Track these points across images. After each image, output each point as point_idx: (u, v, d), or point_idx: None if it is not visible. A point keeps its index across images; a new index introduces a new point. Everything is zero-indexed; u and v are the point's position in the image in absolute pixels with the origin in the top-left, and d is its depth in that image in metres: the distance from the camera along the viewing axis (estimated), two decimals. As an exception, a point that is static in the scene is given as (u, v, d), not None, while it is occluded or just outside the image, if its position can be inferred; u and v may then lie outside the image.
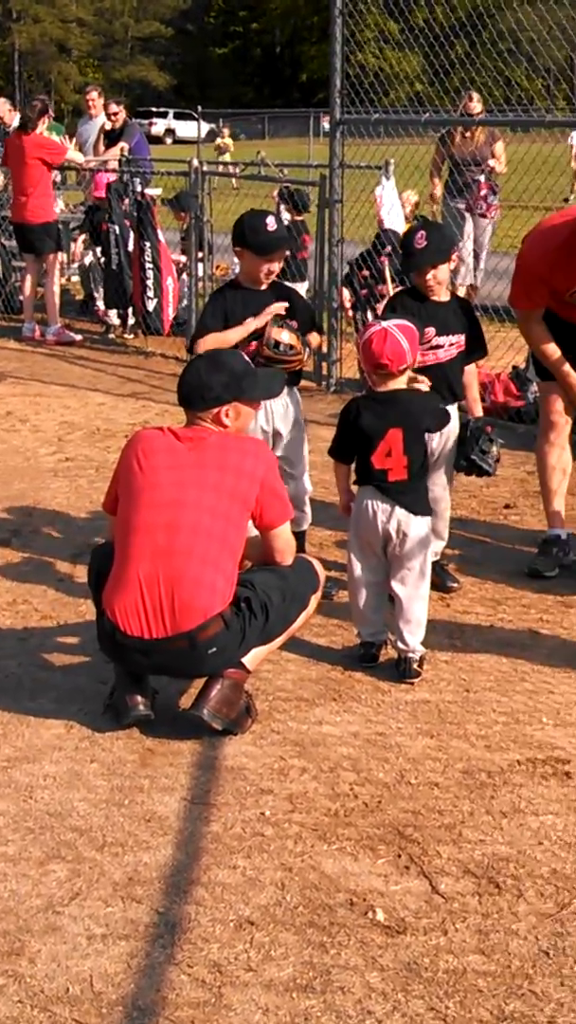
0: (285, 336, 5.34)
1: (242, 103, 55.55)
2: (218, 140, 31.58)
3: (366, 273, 9.54)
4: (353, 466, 4.87)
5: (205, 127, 30.66)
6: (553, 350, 5.78)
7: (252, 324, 5.37)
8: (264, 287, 5.50)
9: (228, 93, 66.19)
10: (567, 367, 5.75)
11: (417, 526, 4.68)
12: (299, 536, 5.48)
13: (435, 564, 5.68)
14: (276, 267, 5.50)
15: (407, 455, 4.67)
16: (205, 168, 11.32)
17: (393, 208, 9.85)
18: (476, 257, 11.90)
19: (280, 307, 5.42)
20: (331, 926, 3.29)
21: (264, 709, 4.51)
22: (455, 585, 5.66)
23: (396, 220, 10.02)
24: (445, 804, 3.89)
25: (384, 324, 4.67)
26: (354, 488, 4.88)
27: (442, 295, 5.43)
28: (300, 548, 5.11)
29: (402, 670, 4.74)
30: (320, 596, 4.69)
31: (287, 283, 6.25)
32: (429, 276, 5.33)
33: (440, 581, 5.64)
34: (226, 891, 3.45)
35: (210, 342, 5.32)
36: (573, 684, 4.71)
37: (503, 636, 5.16)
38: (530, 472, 7.28)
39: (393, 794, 3.95)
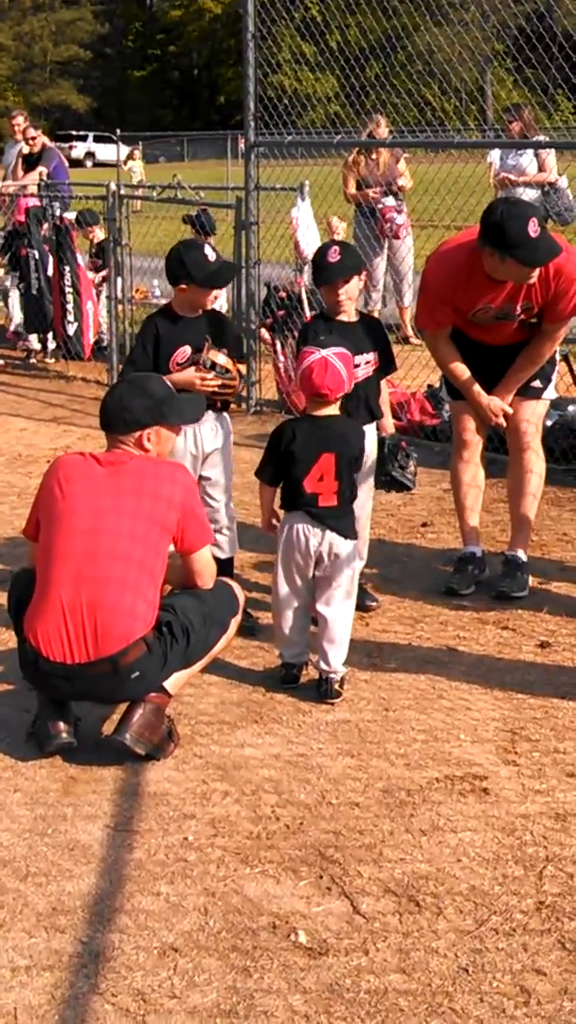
0: (221, 358, 5.36)
1: (161, 125, 55.59)
2: (129, 164, 31.46)
3: (284, 295, 9.61)
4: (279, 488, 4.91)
5: (125, 150, 30.61)
6: (462, 370, 5.87)
7: (178, 379, 5.40)
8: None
9: (147, 116, 66.21)
10: (476, 387, 5.84)
11: (347, 549, 4.75)
12: (227, 562, 5.50)
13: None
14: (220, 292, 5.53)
15: (338, 480, 4.73)
16: (123, 191, 11.33)
17: (309, 229, 9.91)
18: (401, 279, 12.00)
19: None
20: (254, 950, 3.32)
21: (186, 733, 4.53)
22: (374, 604, 5.72)
23: (312, 241, 10.09)
24: (366, 824, 3.93)
25: (323, 352, 4.70)
26: (279, 511, 4.92)
27: (352, 315, 5.49)
28: (228, 573, 5.14)
29: (323, 691, 4.79)
30: (240, 619, 4.72)
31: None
32: (341, 291, 5.39)
33: (359, 600, 5.69)
34: (149, 918, 3.47)
35: None
36: (490, 700, 4.78)
37: (421, 654, 5.23)
38: (446, 490, 7.36)
39: (314, 815, 3.99)
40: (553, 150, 11.30)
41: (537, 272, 5.45)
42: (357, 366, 5.44)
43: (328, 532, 4.71)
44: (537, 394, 5.96)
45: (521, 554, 5.94)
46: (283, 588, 4.82)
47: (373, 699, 4.82)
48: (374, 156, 11.85)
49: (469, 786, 4.15)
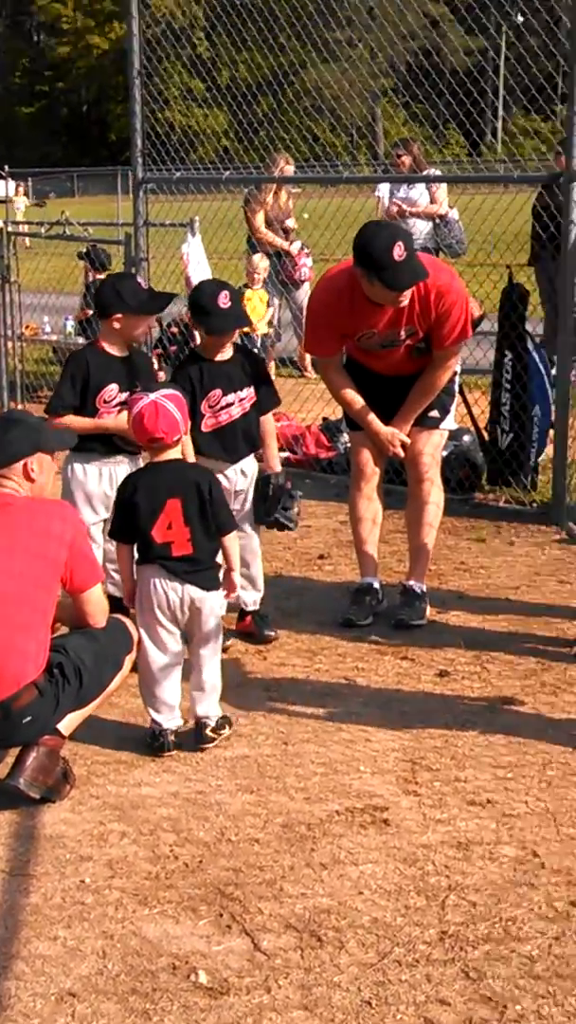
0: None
1: (51, 162, 55.35)
2: (13, 199, 31.20)
3: (175, 330, 9.59)
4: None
5: (13, 186, 30.42)
6: (354, 398, 5.87)
7: (111, 426, 5.37)
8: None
9: (36, 152, 65.90)
10: (371, 416, 5.84)
11: (210, 603, 4.58)
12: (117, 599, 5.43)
13: (254, 613, 5.72)
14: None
15: (188, 526, 4.54)
16: (11, 228, 11.24)
17: (200, 264, 9.90)
18: (301, 312, 12.02)
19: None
20: (154, 992, 3.25)
21: (82, 774, 4.45)
22: (272, 634, 5.70)
23: (203, 276, 10.08)
24: (266, 860, 3.88)
25: (152, 396, 4.54)
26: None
27: (226, 353, 5.48)
28: (123, 610, 5.06)
29: (198, 737, 4.64)
30: (135, 656, 4.64)
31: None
32: (227, 337, 5.41)
33: (258, 631, 5.68)
34: (47, 963, 3.38)
35: (67, 422, 5.32)
36: (389, 731, 4.76)
37: (320, 687, 5.20)
38: (342, 522, 7.37)
39: (214, 853, 3.93)
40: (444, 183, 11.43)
41: (408, 295, 5.46)
42: (231, 404, 5.43)
43: (186, 585, 4.54)
44: (435, 424, 5.97)
45: (419, 584, 5.95)
46: (149, 647, 4.60)
47: (272, 733, 4.77)
48: (276, 195, 11.89)
49: (370, 818, 4.11)
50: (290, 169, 11.73)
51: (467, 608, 5.99)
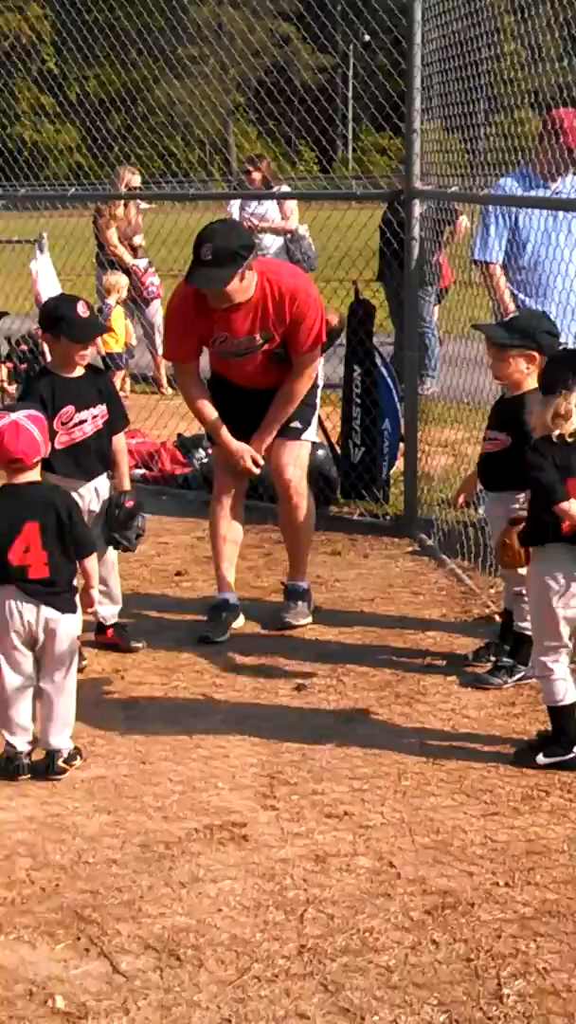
0: None
1: None
2: None
3: (25, 347, 9.50)
4: None
5: None
6: (209, 410, 5.89)
7: None
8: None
9: None
10: (223, 429, 5.85)
11: (66, 625, 4.51)
12: None
13: (116, 625, 5.70)
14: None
15: (46, 550, 4.47)
16: None
17: (49, 281, 9.83)
18: (153, 330, 11.97)
19: None
20: (10, 1019, 3.20)
21: None
22: (139, 645, 5.70)
23: (53, 292, 10.01)
24: (124, 881, 3.85)
25: (13, 416, 4.48)
26: None
27: (77, 370, 5.46)
28: None
29: (49, 768, 4.55)
30: None
31: None
32: (88, 350, 5.38)
33: (124, 642, 5.70)
34: None
35: None
36: (247, 746, 4.76)
37: (177, 704, 5.18)
38: (199, 538, 7.37)
39: (71, 876, 3.88)
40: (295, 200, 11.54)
41: (228, 298, 5.51)
42: (84, 421, 5.40)
43: (43, 607, 4.47)
44: (297, 435, 6.02)
45: (301, 583, 6.08)
46: (4, 669, 4.51)
47: (129, 753, 4.74)
48: (124, 210, 11.83)
49: (228, 834, 4.11)
50: (136, 180, 11.68)
51: (323, 621, 6.02)
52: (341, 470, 7.90)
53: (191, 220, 10.39)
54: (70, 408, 5.36)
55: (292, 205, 11.41)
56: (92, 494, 5.49)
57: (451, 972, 3.35)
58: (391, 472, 7.99)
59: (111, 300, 11.37)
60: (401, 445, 7.70)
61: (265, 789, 4.42)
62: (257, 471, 5.91)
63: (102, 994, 3.30)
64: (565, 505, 4.32)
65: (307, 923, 3.60)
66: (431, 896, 3.71)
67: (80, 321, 5.35)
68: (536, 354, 5.00)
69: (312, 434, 6.19)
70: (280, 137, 14.56)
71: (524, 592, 5.08)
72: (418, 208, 7.36)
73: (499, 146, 7.17)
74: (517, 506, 4.89)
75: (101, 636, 5.72)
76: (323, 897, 3.72)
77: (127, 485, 5.67)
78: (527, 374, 5.05)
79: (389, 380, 7.79)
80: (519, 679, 5.23)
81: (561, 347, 5.08)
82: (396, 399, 7.75)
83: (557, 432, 4.34)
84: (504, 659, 5.29)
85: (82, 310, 5.35)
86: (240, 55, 14.45)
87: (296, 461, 6.01)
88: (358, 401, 7.80)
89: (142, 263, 12.02)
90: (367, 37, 13.01)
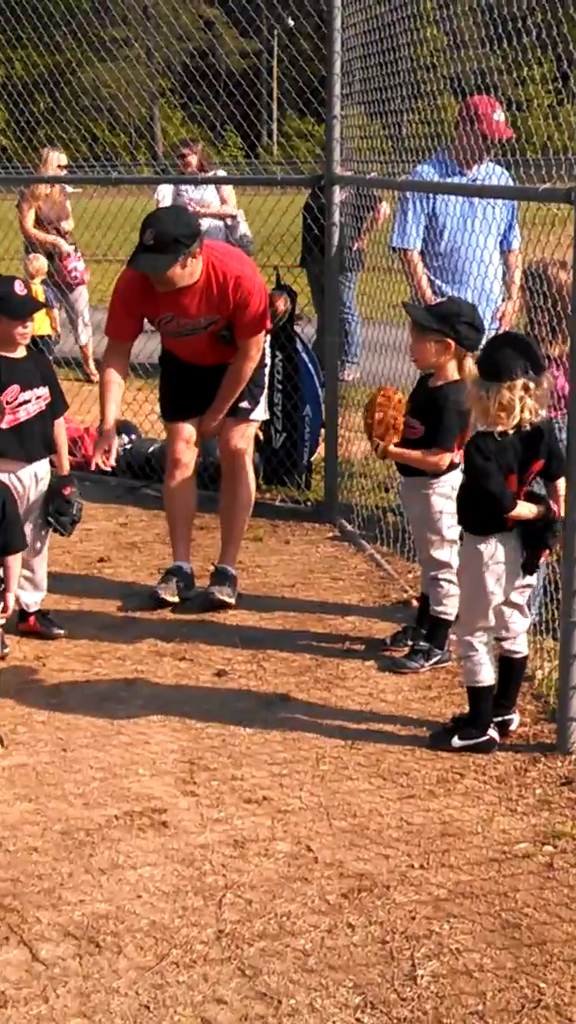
0: None
1: None
2: None
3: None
4: None
5: None
6: (109, 388, 5.95)
7: None
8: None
9: None
10: (108, 411, 5.88)
11: None
12: None
13: (37, 613, 5.69)
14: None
15: None
16: None
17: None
18: (77, 317, 11.90)
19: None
20: None
21: None
22: (61, 632, 5.72)
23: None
24: (44, 868, 3.87)
25: None
26: None
27: (19, 351, 5.47)
28: None
29: None
30: None
31: None
32: (28, 327, 5.44)
33: (46, 629, 5.71)
34: None
35: None
36: (168, 732, 4.79)
37: (99, 691, 5.19)
38: (122, 524, 7.38)
39: (-9, 864, 3.90)
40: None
41: (170, 282, 5.62)
42: (28, 401, 5.41)
43: None
44: (245, 415, 6.18)
45: (231, 568, 6.16)
46: None
47: (51, 740, 4.75)
48: (48, 192, 11.72)
49: (148, 820, 4.14)
50: (62, 159, 11.57)
51: (244, 607, 6.06)
52: (263, 456, 7.92)
53: (115, 205, 10.39)
54: (15, 387, 5.39)
55: (229, 190, 11.38)
56: (32, 479, 5.50)
57: (366, 954, 3.40)
58: (312, 458, 8.03)
59: (35, 283, 11.28)
60: (322, 431, 7.74)
61: (185, 775, 4.45)
62: (107, 467, 5.94)
63: (21, 982, 3.32)
64: (515, 512, 4.38)
65: (225, 908, 3.64)
66: (348, 879, 3.76)
67: (18, 299, 5.41)
68: (451, 342, 5.06)
69: (260, 413, 6.35)
70: (203, 123, 14.50)
71: (440, 577, 5.16)
72: (338, 194, 7.39)
73: (420, 132, 7.21)
74: (431, 492, 5.02)
75: (23, 623, 5.71)
76: (241, 882, 3.76)
77: (67, 470, 5.74)
78: (439, 361, 5.13)
79: (310, 366, 7.83)
80: (435, 663, 5.31)
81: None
82: (317, 385, 7.80)
83: (500, 428, 4.38)
84: (421, 643, 5.37)
85: (19, 288, 5.44)
86: (165, 40, 14.40)
87: (243, 440, 6.19)
88: (279, 387, 7.82)
89: (67, 247, 11.93)
90: (291, 22, 13.03)
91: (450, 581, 5.18)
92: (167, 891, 3.73)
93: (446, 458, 5.12)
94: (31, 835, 4.06)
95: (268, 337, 6.28)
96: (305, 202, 9.36)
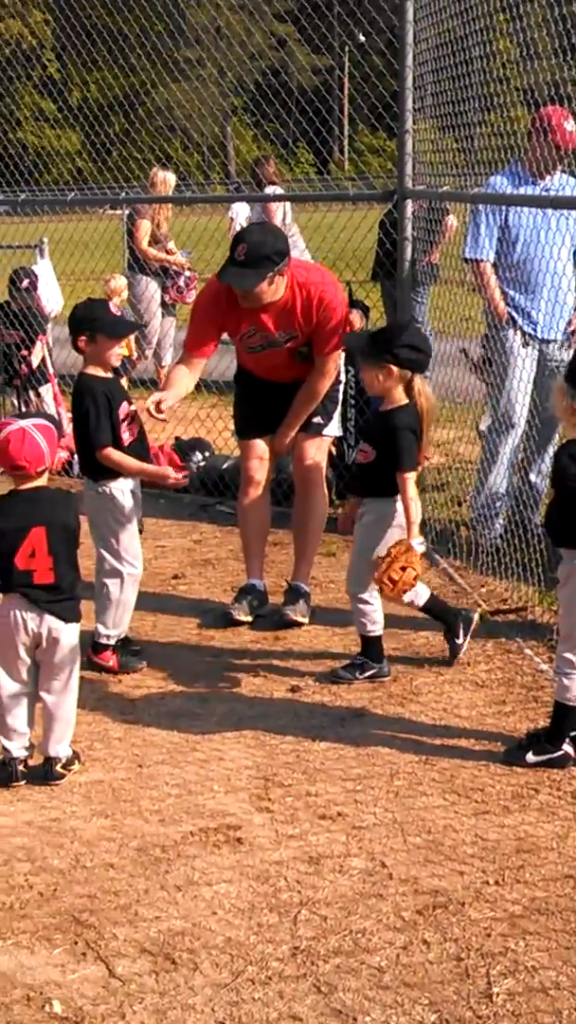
0: None
1: None
2: None
3: (26, 352, 9.55)
4: None
5: None
6: (179, 385, 5.93)
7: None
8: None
9: None
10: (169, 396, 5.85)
11: (68, 635, 4.54)
12: None
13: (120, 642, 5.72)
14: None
15: (52, 555, 4.50)
16: None
17: (49, 285, 9.90)
18: (161, 343, 11.98)
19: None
20: (7, 1025, 3.25)
21: None
22: (137, 648, 5.76)
23: (53, 297, 10.08)
24: (121, 884, 3.89)
25: (22, 423, 4.53)
26: None
27: (110, 372, 5.59)
28: None
29: (47, 773, 4.60)
30: None
31: None
32: (122, 346, 5.73)
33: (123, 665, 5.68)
34: None
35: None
36: (242, 749, 4.81)
37: (174, 707, 5.22)
38: (196, 541, 7.43)
39: (69, 880, 3.93)
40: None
41: (256, 298, 5.65)
42: (134, 417, 5.53)
43: (46, 616, 4.49)
44: (318, 430, 6.20)
45: (304, 584, 6.18)
46: (3, 677, 4.55)
47: (127, 757, 4.79)
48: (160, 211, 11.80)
49: (223, 837, 4.15)
50: (171, 178, 11.63)
51: (318, 622, 6.07)
52: (336, 471, 7.93)
53: (188, 224, 10.48)
54: (125, 403, 5.50)
55: (274, 207, 11.43)
56: (131, 492, 5.60)
57: (441, 972, 3.39)
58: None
59: (114, 302, 11.39)
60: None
61: (260, 791, 4.46)
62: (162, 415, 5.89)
63: (99, 999, 3.34)
64: None
65: (300, 925, 3.64)
66: (422, 896, 3.75)
67: (113, 319, 5.52)
68: (392, 368, 5.14)
69: (334, 429, 6.35)
70: (276, 140, 14.58)
71: (359, 597, 5.30)
72: (411, 208, 7.39)
73: (492, 144, 7.21)
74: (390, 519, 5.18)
75: (99, 655, 5.63)
76: (316, 898, 3.76)
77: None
78: (385, 386, 5.21)
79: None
80: (371, 675, 5.40)
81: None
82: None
83: None
84: (356, 657, 5.46)
85: (114, 308, 5.58)
86: (237, 58, 14.49)
87: (317, 455, 6.21)
88: (352, 402, 7.83)
89: (181, 257, 11.98)
90: (362, 38, 13.04)
91: (366, 601, 5.34)
92: (242, 908, 3.74)
93: (411, 477, 5.14)
94: (108, 851, 4.09)
95: (344, 354, 6.29)
96: (381, 218, 9.36)
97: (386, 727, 4.94)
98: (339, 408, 6.40)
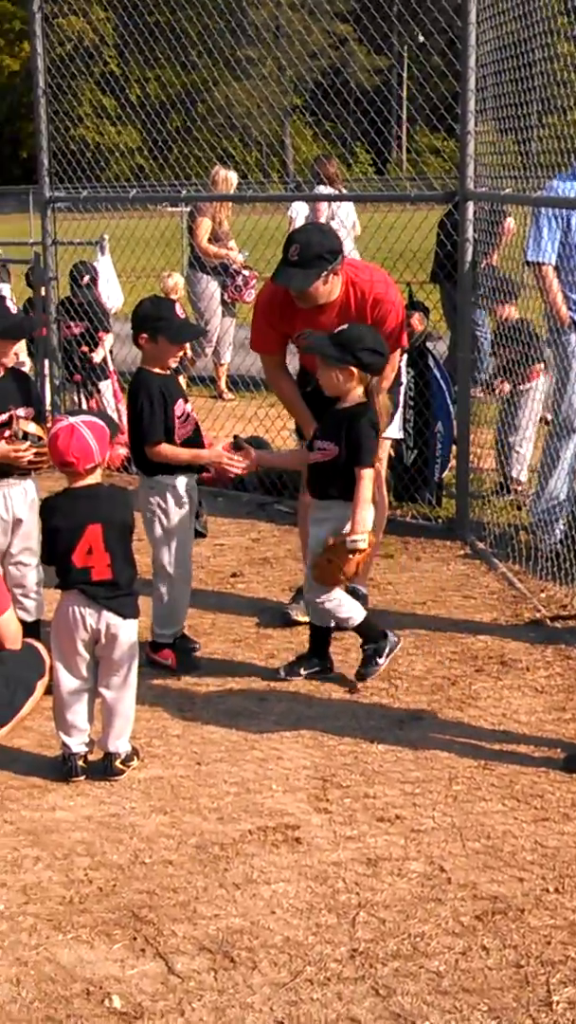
0: (32, 427, 5.32)
1: (-40, 180, 54.79)
2: None
3: (85, 349, 9.60)
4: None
5: None
6: (295, 398, 6.00)
7: (10, 452, 5.34)
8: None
9: (-55, 170, 65.15)
10: (302, 405, 5.91)
11: (126, 631, 4.57)
12: (33, 625, 5.41)
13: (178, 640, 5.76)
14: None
15: (108, 552, 4.54)
16: None
17: (109, 282, 9.94)
18: (220, 341, 12.01)
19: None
20: (68, 1018, 3.28)
21: (-5, 800, 4.46)
22: (196, 645, 5.80)
23: (114, 294, 10.12)
24: (179, 881, 3.92)
25: (72, 420, 4.57)
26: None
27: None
28: (34, 635, 5.07)
29: (107, 769, 4.63)
30: (48, 680, 4.65)
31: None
32: (184, 350, 5.72)
33: (182, 642, 5.76)
34: (-40, 993, 3.40)
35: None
36: (301, 749, 4.82)
37: (233, 705, 5.24)
38: (255, 540, 7.45)
39: (128, 876, 3.96)
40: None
41: (311, 298, 5.61)
42: (190, 415, 5.59)
43: (104, 612, 4.53)
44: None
45: (361, 587, 6.12)
46: (61, 671, 4.58)
47: (185, 754, 4.81)
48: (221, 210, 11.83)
49: (282, 836, 4.17)
50: (233, 177, 11.66)
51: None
52: (394, 473, 7.93)
53: (250, 222, 10.50)
54: (181, 401, 5.53)
55: (322, 208, 11.44)
56: (186, 491, 5.63)
57: (501, 978, 3.39)
58: (443, 475, 8.01)
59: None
60: (453, 448, 7.73)
61: (318, 791, 4.48)
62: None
63: (158, 995, 3.37)
64: None
65: (359, 927, 3.65)
66: (481, 901, 3.75)
67: (179, 323, 5.54)
68: (354, 370, 5.16)
69: (394, 431, 6.34)
70: (336, 138, 14.57)
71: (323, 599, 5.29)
72: (471, 210, 7.38)
73: (552, 148, 7.17)
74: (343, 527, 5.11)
75: (157, 653, 5.68)
76: (375, 901, 3.77)
77: None
78: (346, 387, 5.23)
79: (443, 382, 7.81)
80: (389, 653, 5.44)
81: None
82: (449, 402, 7.78)
83: None
84: (365, 647, 5.46)
85: (179, 311, 5.57)
86: (298, 57, 14.49)
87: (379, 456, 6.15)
88: (411, 404, 7.83)
89: (239, 257, 12.02)
90: (422, 38, 13.04)
91: (331, 599, 5.31)
92: (301, 908, 3.75)
93: (368, 473, 5.15)
94: (167, 848, 4.12)
95: (403, 355, 6.28)
96: (440, 218, 9.34)
97: (445, 731, 4.93)
98: (399, 410, 6.40)
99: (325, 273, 5.57)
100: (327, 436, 5.26)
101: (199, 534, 5.81)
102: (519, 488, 7.90)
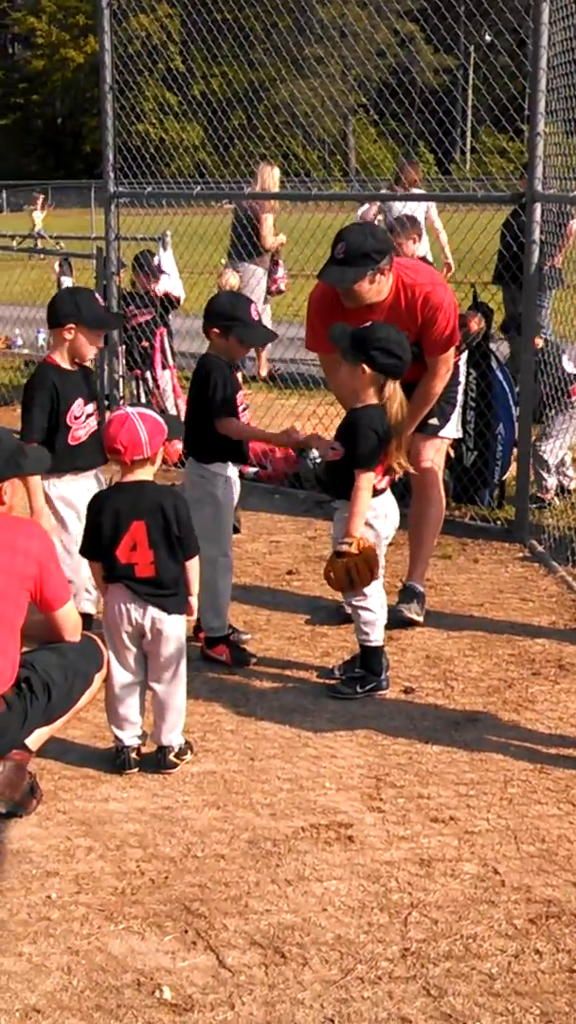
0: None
1: (25, 174, 55.17)
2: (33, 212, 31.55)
3: (145, 344, 9.63)
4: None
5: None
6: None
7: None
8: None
9: (11, 164, 65.65)
10: None
11: (171, 626, 4.57)
12: (91, 617, 5.45)
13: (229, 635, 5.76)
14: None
15: (152, 549, 4.53)
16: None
17: (171, 278, 9.97)
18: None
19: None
20: (118, 1008, 3.29)
21: (49, 789, 4.47)
22: (246, 637, 5.84)
23: (175, 289, 10.15)
24: (231, 876, 3.92)
25: (128, 410, 4.58)
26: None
27: None
28: (90, 628, 5.09)
29: (160, 762, 4.64)
30: (106, 673, 4.66)
31: None
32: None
33: (236, 636, 5.80)
34: (12, 979, 3.41)
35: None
36: (355, 747, 4.81)
37: (287, 702, 5.24)
38: (311, 538, 7.44)
39: (180, 868, 3.96)
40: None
41: (357, 297, 5.59)
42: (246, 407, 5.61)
43: (149, 607, 4.53)
44: (435, 431, 6.19)
45: (419, 585, 6.16)
46: (113, 665, 4.60)
47: (239, 749, 4.81)
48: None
49: (334, 834, 4.16)
50: (275, 174, 11.72)
51: (432, 625, 6.04)
52: (453, 474, 7.90)
53: (313, 221, 10.48)
54: (241, 394, 5.57)
55: (373, 212, 11.47)
56: (232, 481, 5.66)
57: (554, 982, 3.36)
58: (503, 477, 7.97)
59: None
60: (514, 450, 7.68)
61: (371, 790, 4.46)
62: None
63: (208, 987, 3.37)
64: None
65: (411, 926, 3.63)
66: (535, 905, 3.72)
67: (252, 326, 5.55)
68: (365, 367, 5.11)
69: (451, 431, 6.35)
70: (404, 138, 14.52)
71: (358, 605, 5.23)
72: (539, 211, 7.33)
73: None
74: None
75: (212, 649, 5.71)
76: (427, 901, 3.75)
77: None
78: (354, 385, 5.19)
79: (505, 384, 7.77)
80: (370, 689, 5.30)
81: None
82: (511, 403, 7.73)
83: None
84: (356, 670, 5.36)
85: (255, 313, 5.57)
86: (365, 53, 14.44)
87: (435, 456, 6.20)
88: (472, 405, 7.79)
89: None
90: (489, 37, 12.96)
91: (367, 608, 5.23)
92: (352, 906, 3.74)
93: (366, 477, 5.10)
94: (219, 842, 4.12)
95: (463, 355, 6.24)
96: (505, 219, 9.29)
97: (500, 733, 4.90)
98: (457, 410, 6.36)
99: (371, 272, 5.53)
100: (338, 436, 5.25)
101: (235, 529, 5.78)
102: (546, 496, 7.86)
